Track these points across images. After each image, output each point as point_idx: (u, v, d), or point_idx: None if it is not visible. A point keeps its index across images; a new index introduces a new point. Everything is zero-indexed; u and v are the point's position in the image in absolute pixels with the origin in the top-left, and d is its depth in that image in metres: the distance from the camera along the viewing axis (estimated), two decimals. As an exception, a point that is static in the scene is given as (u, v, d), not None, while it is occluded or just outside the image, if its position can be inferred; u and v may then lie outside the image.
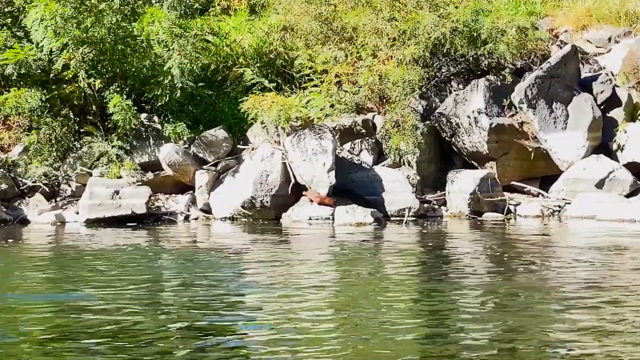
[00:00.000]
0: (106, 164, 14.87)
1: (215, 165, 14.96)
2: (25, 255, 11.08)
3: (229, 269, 9.60)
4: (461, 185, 14.45)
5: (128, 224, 13.93)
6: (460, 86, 15.64)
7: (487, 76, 15.37)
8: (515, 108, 15.06)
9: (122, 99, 14.79)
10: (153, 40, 15.06)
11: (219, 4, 17.81)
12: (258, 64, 16.04)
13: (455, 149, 15.36)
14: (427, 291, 8.25)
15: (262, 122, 14.84)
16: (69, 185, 14.98)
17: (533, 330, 6.55)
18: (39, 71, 15.16)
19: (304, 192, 14.18)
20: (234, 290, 8.38)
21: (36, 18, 14.73)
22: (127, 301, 7.74)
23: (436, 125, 15.31)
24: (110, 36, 15.11)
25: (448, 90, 15.76)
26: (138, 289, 8.35)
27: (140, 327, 6.73)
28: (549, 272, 9.22)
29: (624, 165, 14.54)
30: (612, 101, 15.28)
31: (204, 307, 7.39)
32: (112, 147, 14.94)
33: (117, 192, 14.28)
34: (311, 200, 14.04)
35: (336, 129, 14.97)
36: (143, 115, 15.29)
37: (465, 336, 6.41)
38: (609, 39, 16.65)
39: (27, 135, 14.98)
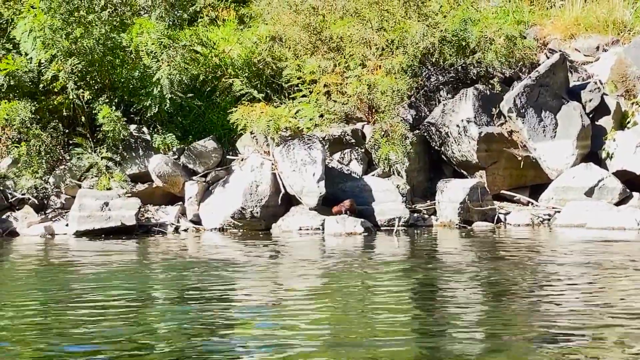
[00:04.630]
0: (96, 176, 14.84)
1: (205, 176, 14.94)
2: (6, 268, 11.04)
3: (218, 285, 9.56)
4: (451, 194, 14.45)
5: (117, 236, 13.90)
6: (449, 95, 15.67)
7: (476, 85, 15.40)
8: (504, 117, 15.09)
9: (111, 110, 14.77)
10: (142, 51, 15.05)
11: (207, 15, 17.82)
12: (247, 74, 16.05)
13: (445, 158, 15.37)
14: (417, 304, 8.24)
15: (251, 132, 14.84)
16: (58, 197, 14.94)
17: (524, 341, 6.56)
18: (29, 83, 15.12)
19: None
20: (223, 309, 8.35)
21: (25, 30, 14.69)
22: (111, 318, 7.72)
23: (425, 134, 15.33)
24: (99, 47, 15.09)
25: (437, 100, 15.78)
26: (123, 305, 8.33)
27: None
28: (539, 285, 9.21)
29: (613, 173, 14.57)
30: (601, 109, 15.33)
31: (190, 326, 7.32)
32: (102, 158, 14.91)
33: (106, 204, 14.23)
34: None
35: (325, 139, 14.97)
36: (132, 127, 15.27)
37: (456, 346, 6.42)
38: (597, 48, 16.71)
39: (17, 147, 14.94)
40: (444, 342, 6.62)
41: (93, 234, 14.05)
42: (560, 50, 16.31)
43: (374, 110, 15.31)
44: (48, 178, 14.95)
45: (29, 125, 14.87)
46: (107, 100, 15.15)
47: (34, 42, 14.68)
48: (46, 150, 14.91)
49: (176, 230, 14.57)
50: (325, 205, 14.07)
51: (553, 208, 14.56)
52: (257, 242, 13.11)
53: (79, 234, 14.08)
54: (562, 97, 15.22)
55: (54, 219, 14.71)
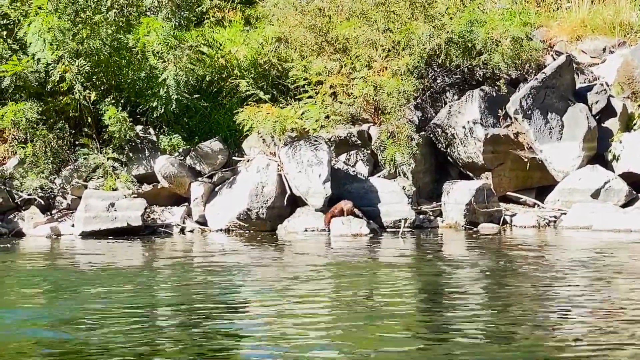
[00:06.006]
0: (101, 176, 14.85)
1: (211, 177, 14.95)
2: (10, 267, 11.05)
3: (224, 287, 9.56)
4: (457, 196, 14.44)
5: (123, 237, 13.90)
6: (456, 97, 15.65)
7: (482, 87, 15.37)
8: (511, 118, 15.07)
9: (118, 110, 14.78)
10: (148, 51, 15.05)
11: (213, 16, 17.82)
12: (253, 75, 16.05)
13: (451, 160, 15.36)
14: (423, 306, 8.23)
15: (258, 133, 14.84)
16: (65, 198, 14.95)
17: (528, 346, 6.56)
18: (35, 83, 15.12)
19: None
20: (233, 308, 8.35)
21: (35, 31, 14.68)
22: (121, 320, 7.72)
23: (431, 135, 15.32)
24: (106, 48, 15.10)
25: (443, 101, 15.77)
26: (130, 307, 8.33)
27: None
28: (546, 288, 9.20)
29: (619, 175, 14.55)
30: (607, 111, 15.30)
31: (199, 329, 7.33)
32: (108, 159, 14.92)
33: (112, 205, 14.24)
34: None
35: (331, 140, 14.97)
36: (138, 127, 15.29)
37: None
38: (604, 50, 16.68)
39: (23, 147, 14.96)
40: (450, 345, 6.62)
41: (99, 235, 14.05)
42: (566, 52, 16.29)
43: (380, 111, 15.30)
44: (54, 178, 14.97)
45: (35, 125, 14.88)
46: (114, 101, 15.16)
47: (44, 44, 14.67)
48: (52, 150, 14.93)
49: (182, 231, 14.58)
50: (331, 206, 14.06)
51: (559, 210, 14.54)
52: (263, 243, 13.11)
53: (84, 235, 14.08)
54: (569, 99, 15.20)
55: (60, 220, 14.73)
